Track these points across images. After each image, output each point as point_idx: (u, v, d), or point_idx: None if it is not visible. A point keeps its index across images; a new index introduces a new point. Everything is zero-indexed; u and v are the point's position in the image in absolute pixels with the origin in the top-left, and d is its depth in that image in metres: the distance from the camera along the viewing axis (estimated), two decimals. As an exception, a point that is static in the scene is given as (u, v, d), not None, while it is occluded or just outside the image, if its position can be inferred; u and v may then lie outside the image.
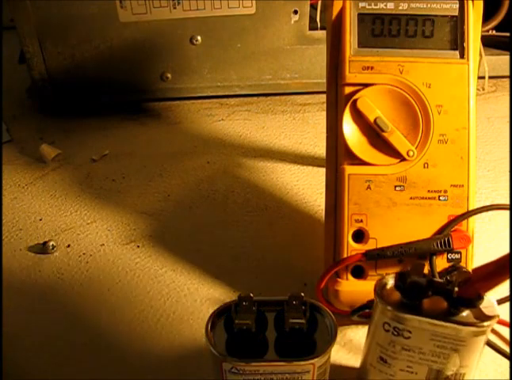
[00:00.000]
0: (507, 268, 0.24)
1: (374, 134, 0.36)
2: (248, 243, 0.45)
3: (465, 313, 0.28)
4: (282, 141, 0.60)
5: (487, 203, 0.48)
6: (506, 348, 0.35)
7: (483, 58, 0.62)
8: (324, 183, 0.38)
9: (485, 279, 0.26)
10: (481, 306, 0.28)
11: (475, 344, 0.28)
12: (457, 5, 0.36)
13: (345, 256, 0.36)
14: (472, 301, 0.27)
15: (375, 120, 0.35)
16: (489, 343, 0.34)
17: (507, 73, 0.68)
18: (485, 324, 0.27)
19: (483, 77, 0.66)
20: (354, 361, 0.35)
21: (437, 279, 0.28)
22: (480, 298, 0.27)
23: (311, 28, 0.63)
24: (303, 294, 0.28)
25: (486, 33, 0.68)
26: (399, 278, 0.28)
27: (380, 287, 0.29)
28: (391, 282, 0.30)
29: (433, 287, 0.28)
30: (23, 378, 0.35)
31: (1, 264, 0.44)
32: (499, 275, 0.25)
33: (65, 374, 0.35)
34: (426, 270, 0.36)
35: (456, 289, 0.27)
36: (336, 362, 0.35)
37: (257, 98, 0.68)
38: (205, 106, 0.67)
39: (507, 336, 0.36)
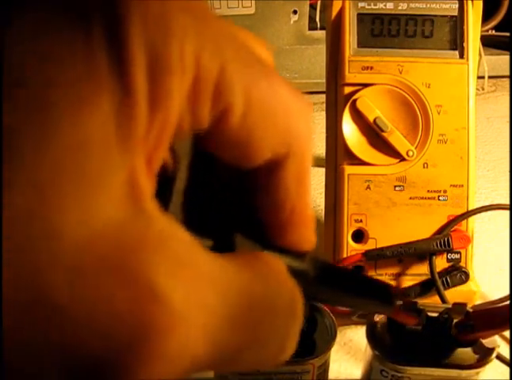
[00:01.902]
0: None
1: (374, 134, 0.36)
2: (248, 243, 0.45)
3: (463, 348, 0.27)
4: (282, 141, 0.60)
5: (487, 203, 0.48)
6: (506, 348, 0.35)
7: (483, 58, 0.62)
8: (324, 183, 0.38)
9: (488, 328, 0.25)
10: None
11: (476, 378, 0.27)
12: (457, 5, 0.36)
13: (344, 256, 0.36)
14: (472, 342, 0.26)
15: (374, 120, 0.35)
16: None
17: (507, 73, 0.68)
18: (486, 362, 0.26)
19: (483, 77, 0.66)
20: (354, 361, 0.35)
21: (432, 315, 0.27)
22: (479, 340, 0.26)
23: (310, 28, 0.63)
24: (302, 295, 0.28)
25: (485, 33, 0.68)
26: (391, 325, 0.27)
27: (371, 332, 0.27)
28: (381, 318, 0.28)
29: (429, 329, 0.27)
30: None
31: (1, 264, 0.44)
32: (504, 325, 0.24)
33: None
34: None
35: (454, 330, 0.26)
36: (336, 362, 0.35)
37: (257, 98, 0.68)
38: (205, 106, 0.67)
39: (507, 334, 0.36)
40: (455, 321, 0.26)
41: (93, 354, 0.09)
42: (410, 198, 0.36)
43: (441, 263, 0.35)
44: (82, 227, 0.09)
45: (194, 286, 0.10)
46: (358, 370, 0.33)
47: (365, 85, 0.35)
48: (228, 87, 0.12)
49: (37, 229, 0.09)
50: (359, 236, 0.36)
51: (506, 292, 0.37)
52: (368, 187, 0.36)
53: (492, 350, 0.27)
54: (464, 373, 0.27)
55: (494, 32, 0.69)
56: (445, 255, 0.35)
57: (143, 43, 0.10)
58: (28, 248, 0.09)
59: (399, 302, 0.23)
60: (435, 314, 0.27)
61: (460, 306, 0.26)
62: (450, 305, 0.27)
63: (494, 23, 0.67)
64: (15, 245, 0.09)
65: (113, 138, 0.10)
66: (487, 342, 0.27)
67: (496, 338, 0.27)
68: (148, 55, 0.10)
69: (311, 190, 0.55)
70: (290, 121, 0.14)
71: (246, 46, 0.13)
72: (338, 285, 0.20)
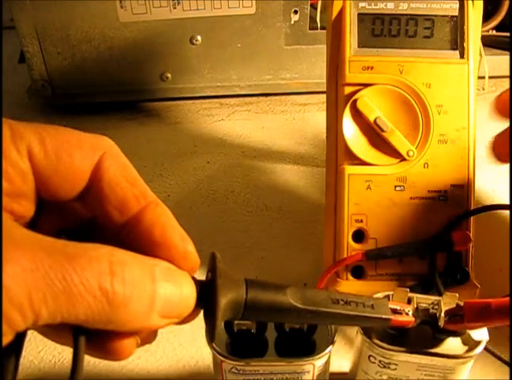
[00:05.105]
0: (507, 314, 0.23)
1: (374, 134, 0.36)
2: (248, 243, 0.45)
3: (452, 339, 0.27)
4: (282, 141, 0.60)
5: (487, 203, 0.48)
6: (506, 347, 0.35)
7: (483, 58, 0.62)
8: (324, 183, 0.38)
9: (476, 320, 0.25)
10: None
11: (463, 369, 0.27)
12: (457, 5, 0.36)
13: (345, 256, 0.36)
14: (459, 332, 0.27)
15: (375, 120, 0.35)
16: (488, 350, 0.34)
17: (507, 73, 0.67)
18: (473, 353, 0.26)
19: (484, 77, 0.66)
20: (354, 361, 0.35)
21: (422, 305, 0.27)
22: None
23: (311, 28, 0.63)
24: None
25: (486, 33, 0.67)
26: None
27: None
28: None
29: (418, 317, 0.27)
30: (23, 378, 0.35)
31: (1, 264, 0.44)
32: (497, 319, 0.24)
33: (65, 373, 0.35)
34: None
35: (443, 320, 0.26)
36: (336, 362, 0.35)
37: (257, 98, 0.68)
38: (205, 106, 0.67)
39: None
40: (444, 310, 0.26)
41: None
42: (411, 198, 0.36)
43: (441, 263, 0.35)
44: None
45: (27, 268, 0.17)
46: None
47: (366, 85, 0.35)
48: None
49: None
50: (359, 236, 0.36)
51: (506, 292, 0.37)
52: (369, 187, 0.36)
53: (479, 343, 0.27)
54: (450, 362, 0.27)
55: (494, 32, 0.68)
56: (445, 255, 0.35)
57: None
58: None
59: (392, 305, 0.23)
60: (426, 304, 0.27)
61: (450, 297, 0.26)
62: (441, 297, 0.27)
63: (494, 23, 0.67)
64: None
65: None
66: (475, 334, 0.27)
67: (485, 331, 0.27)
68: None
69: (311, 190, 0.55)
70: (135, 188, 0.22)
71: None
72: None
